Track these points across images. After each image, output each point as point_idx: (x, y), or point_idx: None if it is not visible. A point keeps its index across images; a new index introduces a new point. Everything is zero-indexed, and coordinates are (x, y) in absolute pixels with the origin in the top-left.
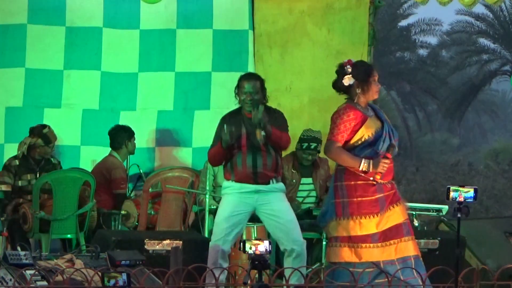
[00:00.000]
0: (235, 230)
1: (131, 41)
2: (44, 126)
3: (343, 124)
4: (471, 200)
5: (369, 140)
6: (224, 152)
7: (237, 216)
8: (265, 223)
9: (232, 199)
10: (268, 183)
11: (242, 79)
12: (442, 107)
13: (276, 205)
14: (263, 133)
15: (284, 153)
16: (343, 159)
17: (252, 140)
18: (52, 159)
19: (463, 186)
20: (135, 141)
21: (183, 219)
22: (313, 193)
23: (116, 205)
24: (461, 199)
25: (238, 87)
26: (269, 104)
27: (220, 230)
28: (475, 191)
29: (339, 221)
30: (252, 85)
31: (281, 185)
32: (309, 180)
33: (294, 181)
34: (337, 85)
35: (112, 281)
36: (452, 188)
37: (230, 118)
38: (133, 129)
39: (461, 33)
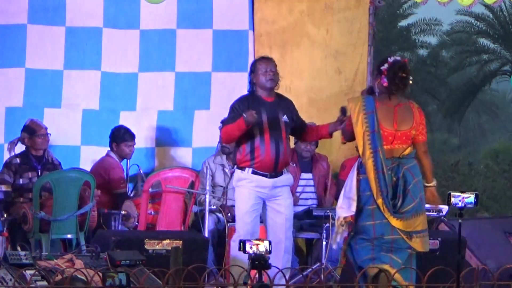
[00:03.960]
0: (256, 224)
1: (131, 41)
2: (27, 121)
3: None
4: (472, 206)
5: None
6: (243, 131)
7: (256, 210)
8: (264, 212)
9: (249, 192)
10: (282, 172)
11: (259, 60)
12: (442, 107)
13: (284, 201)
14: None
15: None
16: None
17: (273, 126)
18: (53, 159)
19: (464, 192)
20: (132, 147)
21: (183, 219)
22: (311, 189)
23: (117, 205)
24: (462, 205)
25: (255, 69)
26: None
27: (245, 224)
28: (476, 196)
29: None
30: (272, 64)
31: (290, 177)
32: (309, 175)
33: (294, 175)
34: None
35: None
36: (453, 193)
37: (248, 101)
38: (133, 129)
39: (461, 33)
